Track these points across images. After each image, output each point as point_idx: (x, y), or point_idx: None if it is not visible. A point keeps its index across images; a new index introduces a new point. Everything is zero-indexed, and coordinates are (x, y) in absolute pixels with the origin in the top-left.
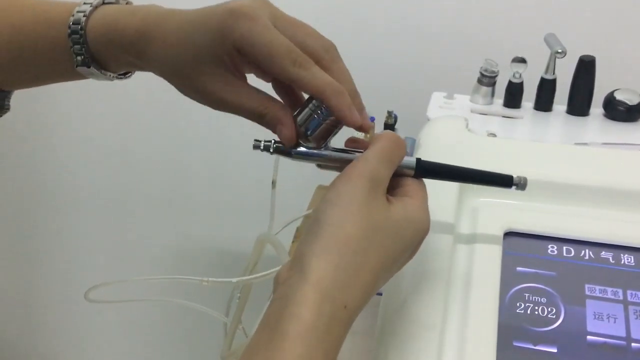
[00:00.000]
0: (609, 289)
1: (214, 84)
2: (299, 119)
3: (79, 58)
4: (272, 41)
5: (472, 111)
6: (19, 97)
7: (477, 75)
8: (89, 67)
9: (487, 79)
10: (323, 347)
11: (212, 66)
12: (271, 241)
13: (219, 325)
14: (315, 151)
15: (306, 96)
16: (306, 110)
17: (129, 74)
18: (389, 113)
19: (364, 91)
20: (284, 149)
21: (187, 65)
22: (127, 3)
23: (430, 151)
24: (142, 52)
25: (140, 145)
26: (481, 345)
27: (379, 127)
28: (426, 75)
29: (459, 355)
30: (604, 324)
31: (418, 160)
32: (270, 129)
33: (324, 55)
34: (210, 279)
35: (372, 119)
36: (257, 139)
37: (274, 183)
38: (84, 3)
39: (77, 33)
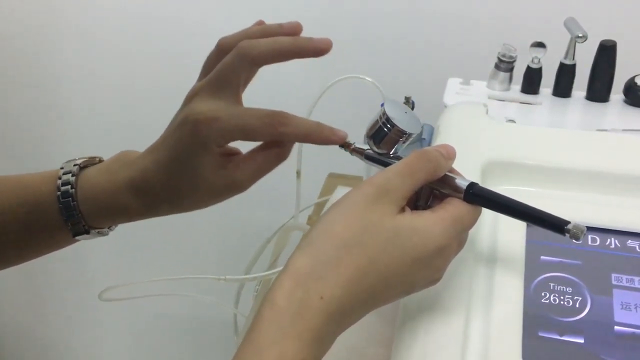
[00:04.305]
0: (636, 279)
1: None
2: (370, 130)
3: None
4: (244, 123)
5: (489, 97)
6: (25, 94)
7: (494, 60)
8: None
9: (505, 65)
10: (295, 330)
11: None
12: (299, 228)
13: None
14: (383, 158)
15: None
16: (376, 122)
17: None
18: (407, 99)
19: (380, 77)
20: (359, 150)
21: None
22: (99, 160)
23: (451, 138)
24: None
25: (152, 141)
26: (506, 335)
27: None
28: (442, 60)
29: (484, 345)
30: (632, 314)
31: (470, 184)
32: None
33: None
34: (227, 276)
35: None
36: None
37: (298, 173)
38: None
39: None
